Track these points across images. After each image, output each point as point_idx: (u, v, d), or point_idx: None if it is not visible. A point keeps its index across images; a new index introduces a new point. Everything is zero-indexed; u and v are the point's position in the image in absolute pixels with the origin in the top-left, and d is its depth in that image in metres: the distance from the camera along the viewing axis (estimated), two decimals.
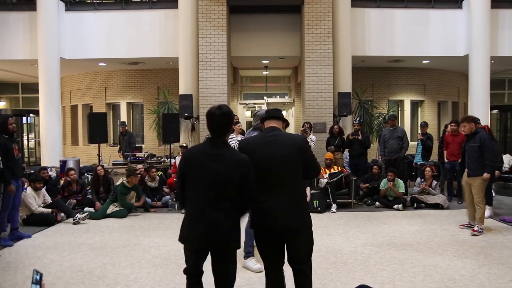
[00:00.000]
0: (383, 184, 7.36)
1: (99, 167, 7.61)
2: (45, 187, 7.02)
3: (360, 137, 8.22)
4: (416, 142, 8.82)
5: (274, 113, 2.91)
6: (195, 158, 2.55)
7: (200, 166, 2.52)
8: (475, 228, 5.44)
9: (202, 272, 2.64)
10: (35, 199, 6.18)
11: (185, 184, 2.59)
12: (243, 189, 2.53)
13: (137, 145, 9.97)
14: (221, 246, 2.53)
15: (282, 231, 2.70)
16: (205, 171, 2.50)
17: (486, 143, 5.37)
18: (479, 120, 5.96)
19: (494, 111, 15.52)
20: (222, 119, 2.56)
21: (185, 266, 2.64)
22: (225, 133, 2.59)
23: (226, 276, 2.60)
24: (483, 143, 5.37)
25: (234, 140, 7.35)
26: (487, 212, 6.09)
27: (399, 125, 8.73)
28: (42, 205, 6.28)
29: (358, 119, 8.85)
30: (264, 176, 2.68)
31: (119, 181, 7.22)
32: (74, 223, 6.15)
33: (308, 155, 2.82)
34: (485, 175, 5.37)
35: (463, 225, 5.76)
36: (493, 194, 7.01)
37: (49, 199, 6.50)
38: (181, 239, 2.60)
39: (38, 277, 2.23)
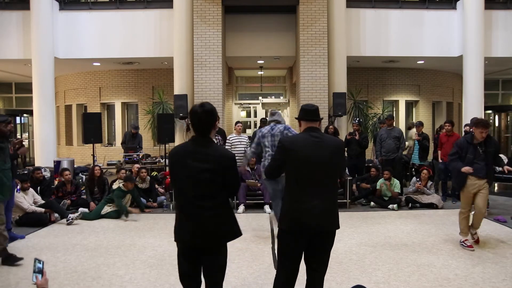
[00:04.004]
0: (379, 183, 7.37)
1: (97, 168, 7.56)
2: (39, 187, 6.99)
3: (357, 137, 8.24)
4: (412, 143, 8.83)
5: (314, 116, 2.83)
6: (180, 157, 2.53)
7: (184, 165, 2.50)
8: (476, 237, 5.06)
9: (200, 281, 2.59)
10: (25, 198, 6.11)
11: (174, 183, 2.59)
12: (227, 180, 2.52)
13: (131, 145, 9.96)
14: (211, 243, 2.51)
15: (320, 233, 2.69)
16: (190, 170, 2.48)
17: (498, 149, 5.08)
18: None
19: (488, 111, 15.65)
20: (206, 117, 2.52)
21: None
22: (210, 131, 2.55)
23: (219, 271, 2.59)
24: (497, 149, 5.05)
25: (236, 139, 7.39)
26: None
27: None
28: (33, 204, 6.22)
29: (357, 119, 8.86)
30: (309, 176, 2.67)
31: (115, 185, 7.20)
32: (68, 224, 6.11)
33: (344, 159, 2.87)
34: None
35: (469, 245, 4.88)
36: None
37: (39, 199, 6.42)
38: (175, 238, 2.60)
39: (40, 266, 2.17)
